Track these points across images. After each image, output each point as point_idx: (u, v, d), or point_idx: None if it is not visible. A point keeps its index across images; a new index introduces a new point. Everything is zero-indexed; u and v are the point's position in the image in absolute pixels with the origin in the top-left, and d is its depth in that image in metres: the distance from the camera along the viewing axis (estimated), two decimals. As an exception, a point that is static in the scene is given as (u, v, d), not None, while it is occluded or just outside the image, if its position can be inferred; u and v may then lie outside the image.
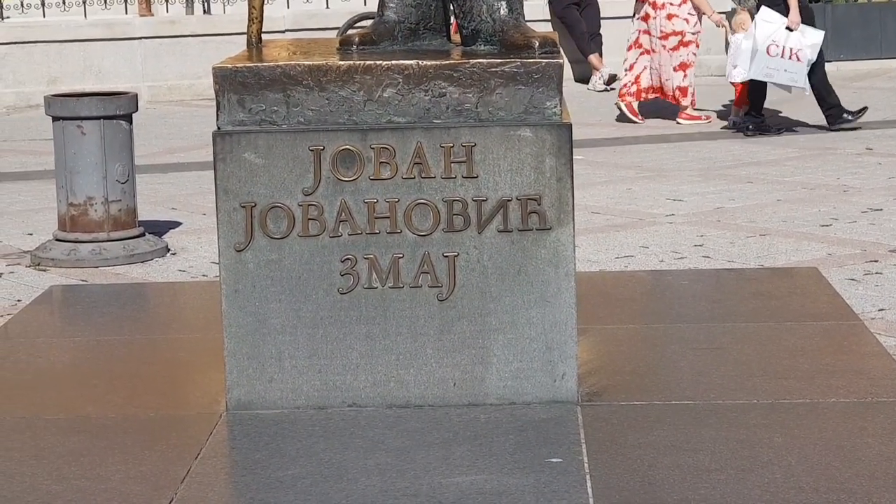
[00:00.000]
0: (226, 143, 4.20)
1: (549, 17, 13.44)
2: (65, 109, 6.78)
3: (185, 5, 13.91)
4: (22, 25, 12.90)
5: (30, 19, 13.13)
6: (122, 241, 6.80)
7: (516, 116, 4.18)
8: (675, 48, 11.01)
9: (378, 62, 4.19)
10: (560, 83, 4.19)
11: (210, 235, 6.95)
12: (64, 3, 13.27)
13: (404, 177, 4.18)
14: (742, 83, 10.66)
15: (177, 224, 7.63)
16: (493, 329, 4.22)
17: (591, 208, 7.77)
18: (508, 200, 4.18)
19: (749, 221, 7.41)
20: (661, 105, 11.35)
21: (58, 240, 6.82)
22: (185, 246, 7.12)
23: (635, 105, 11.23)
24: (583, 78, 13.43)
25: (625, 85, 11.29)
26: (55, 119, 6.82)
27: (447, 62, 4.19)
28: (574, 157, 4.25)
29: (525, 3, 4.61)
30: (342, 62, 4.21)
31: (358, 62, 4.20)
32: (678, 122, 11.12)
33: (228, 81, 4.20)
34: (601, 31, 13.48)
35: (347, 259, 4.21)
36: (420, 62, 4.18)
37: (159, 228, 7.40)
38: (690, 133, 10.65)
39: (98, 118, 6.73)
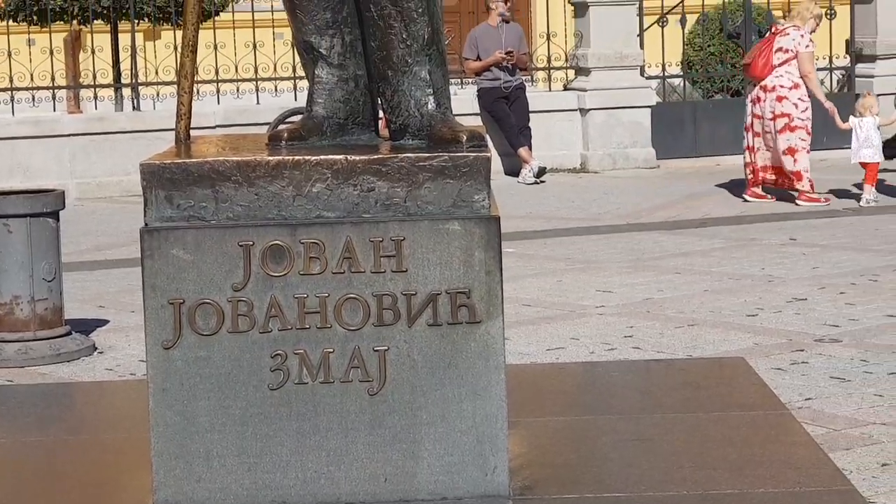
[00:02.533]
0: (154, 239, 4.17)
1: (478, 110, 13.57)
2: (-9, 207, 6.72)
3: (114, 102, 13.91)
4: (-52, 123, 12.83)
5: (-43, 117, 13.06)
6: (48, 340, 6.72)
7: (445, 210, 4.20)
8: (781, 130, 11.18)
9: (307, 157, 4.20)
10: (488, 176, 4.22)
11: (138, 333, 6.88)
12: (-9, 100, 13.23)
13: (334, 271, 4.17)
14: (874, 162, 11.16)
15: (104, 322, 7.56)
16: (423, 423, 4.20)
17: (521, 301, 7.79)
18: (438, 294, 4.18)
19: (678, 312, 7.46)
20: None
21: (-17, 339, 6.73)
22: (112, 344, 7.04)
23: (759, 189, 11.39)
24: (513, 171, 13.54)
25: (747, 164, 11.43)
26: (-19, 217, 6.76)
27: (375, 157, 4.21)
28: (504, 249, 4.27)
29: (453, 97, 4.65)
30: (271, 158, 4.21)
31: (287, 157, 4.21)
32: (797, 204, 11.23)
33: (156, 178, 4.19)
34: (530, 125, 13.63)
35: (277, 355, 4.18)
36: (348, 157, 4.19)
37: (86, 327, 7.32)
38: (619, 225, 10.75)
39: (24, 216, 6.67)
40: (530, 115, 13.65)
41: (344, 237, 4.17)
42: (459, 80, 13.99)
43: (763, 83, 11.21)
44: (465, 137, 4.27)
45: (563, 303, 7.82)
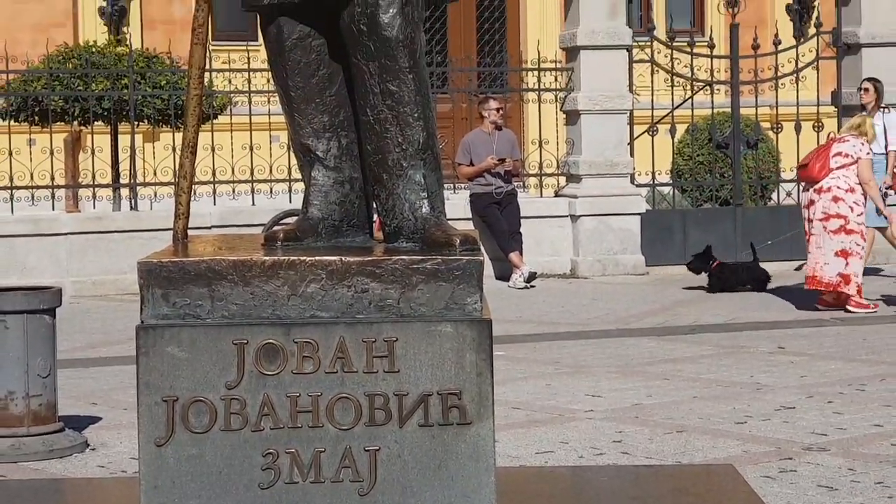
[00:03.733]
0: (149, 336, 4.22)
1: (470, 215, 13.70)
2: (-12, 304, 6.78)
3: (112, 202, 14.02)
4: (-54, 220, 12.91)
5: (-46, 214, 13.16)
6: (41, 436, 6.74)
7: (437, 312, 4.25)
8: (836, 231, 11.21)
9: (302, 258, 4.26)
10: (480, 280, 4.28)
11: (130, 431, 6.91)
12: (-11, 199, 13.33)
13: (327, 371, 4.21)
14: None
15: (97, 419, 7.57)
16: (413, 524, 4.21)
17: (511, 403, 7.82)
18: (429, 395, 4.22)
19: (666, 418, 7.49)
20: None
21: (-25, 434, 6.75)
22: (104, 441, 7.06)
23: (859, 299, 11.33)
24: (503, 276, 13.63)
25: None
26: (-23, 314, 6.81)
27: (370, 259, 4.27)
28: (494, 352, 4.32)
29: (446, 201, 4.73)
30: (267, 258, 4.27)
31: (282, 258, 4.27)
32: (847, 311, 11.23)
33: (153, 276, 4.25)
34: (521, 230, 13.74)
35: (269, 453, 4.21)
36: (343, 258, 4.26)
37: (79, 423, 7.34)
38: (608, 330, 10.80)
39: (21, 313, 6.73)
40: (521, 220, 13.77)
41: (337, 337, 4.21)
42: (452, 185, 14.13)
43: (818, 185, 11.33)
44: (458, 241, 4.33)
45: (553, 406, 7.85)
